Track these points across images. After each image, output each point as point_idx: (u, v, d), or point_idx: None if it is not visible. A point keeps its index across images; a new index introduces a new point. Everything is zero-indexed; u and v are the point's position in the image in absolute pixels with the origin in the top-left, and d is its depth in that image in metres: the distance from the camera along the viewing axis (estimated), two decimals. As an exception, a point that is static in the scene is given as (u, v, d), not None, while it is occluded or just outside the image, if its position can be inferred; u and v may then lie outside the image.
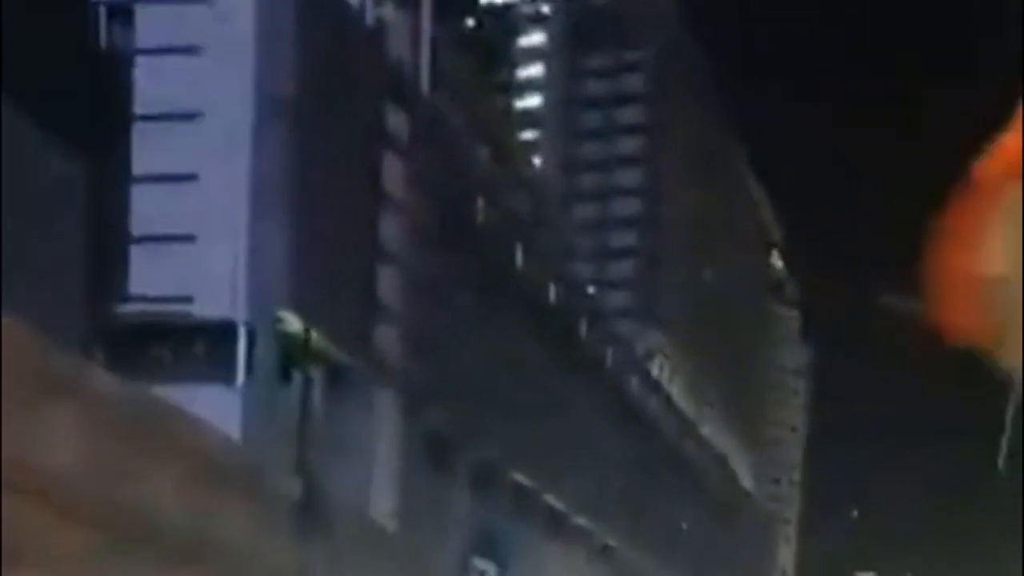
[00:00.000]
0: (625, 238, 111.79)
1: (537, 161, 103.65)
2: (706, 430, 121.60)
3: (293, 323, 47.80)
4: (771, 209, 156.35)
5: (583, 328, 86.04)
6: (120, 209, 43.52)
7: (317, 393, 48.92)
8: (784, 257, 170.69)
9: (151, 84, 45.19)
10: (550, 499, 75.43)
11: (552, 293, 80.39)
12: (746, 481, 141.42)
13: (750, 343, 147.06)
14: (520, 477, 71.03)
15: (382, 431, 53.59)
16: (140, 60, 45.64)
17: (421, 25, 62.58)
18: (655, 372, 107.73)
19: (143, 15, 46.20)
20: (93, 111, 38.31)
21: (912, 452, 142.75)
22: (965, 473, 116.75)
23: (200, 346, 44.71)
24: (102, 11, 45.18)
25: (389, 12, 60.34)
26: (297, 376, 47.93)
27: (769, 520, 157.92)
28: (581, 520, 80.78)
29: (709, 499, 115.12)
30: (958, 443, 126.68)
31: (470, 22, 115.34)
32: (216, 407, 40.48)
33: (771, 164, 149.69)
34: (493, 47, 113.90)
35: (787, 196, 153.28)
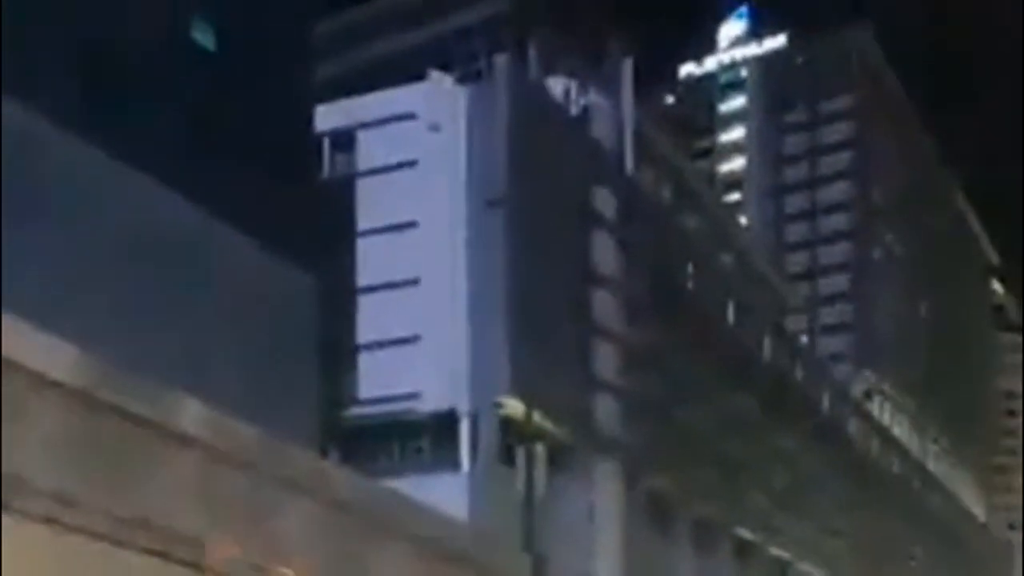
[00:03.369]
0: (836, 283, 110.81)
1: (744, 220, 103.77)
2: (933, 466, 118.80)
3: (514, 406, 49.30)
4: (988, 235, 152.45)
5: (798, 377, 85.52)
6: (348, 319, 45.97)
7: (541, 470, 50.20)
8: (1004, 283, 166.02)
9: (371, 200, 47.70)
10: (774, 550, 75.03)
11: (766, 346, 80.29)
12: (980, 512, 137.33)
13: (974, 372, 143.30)
14: (742, 531, 70.98)
15: (605, 500, 54.56)
16: (362, 179, 48.33)
17: (623, 106, 63.79)
18: (876, 412, 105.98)
19: (362, 139, 48.88)
20: (321, 234, 40.71)
21: None
22: None
23: (426, 438, 46.67)
24: (325, 141, 47.97)
25: (592, 98, 61.78)
26: (520, 456, 49.35)
27: (1006, 549, 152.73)
28: (806, 567, 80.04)
29: (940, 534, 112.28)
30: None
31: (670, 98, 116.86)
32: (445, 494, 42.11)
33: (987, 190, 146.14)
34: (694, 117, 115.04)
35: (1005, 220, 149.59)
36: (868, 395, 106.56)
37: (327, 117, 45.03)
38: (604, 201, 60.01)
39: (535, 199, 52.71)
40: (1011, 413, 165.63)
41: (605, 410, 56.69)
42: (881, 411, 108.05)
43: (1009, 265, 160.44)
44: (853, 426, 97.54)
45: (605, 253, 59.26)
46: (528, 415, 49.47)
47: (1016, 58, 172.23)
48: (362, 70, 50.26)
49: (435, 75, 50.76)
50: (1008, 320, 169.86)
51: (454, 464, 46.87)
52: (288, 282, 38.40)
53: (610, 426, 56.67)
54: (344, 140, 49.06)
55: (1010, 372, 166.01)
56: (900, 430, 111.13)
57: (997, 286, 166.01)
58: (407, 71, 49.57)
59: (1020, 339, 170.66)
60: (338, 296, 44.89)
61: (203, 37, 36.96)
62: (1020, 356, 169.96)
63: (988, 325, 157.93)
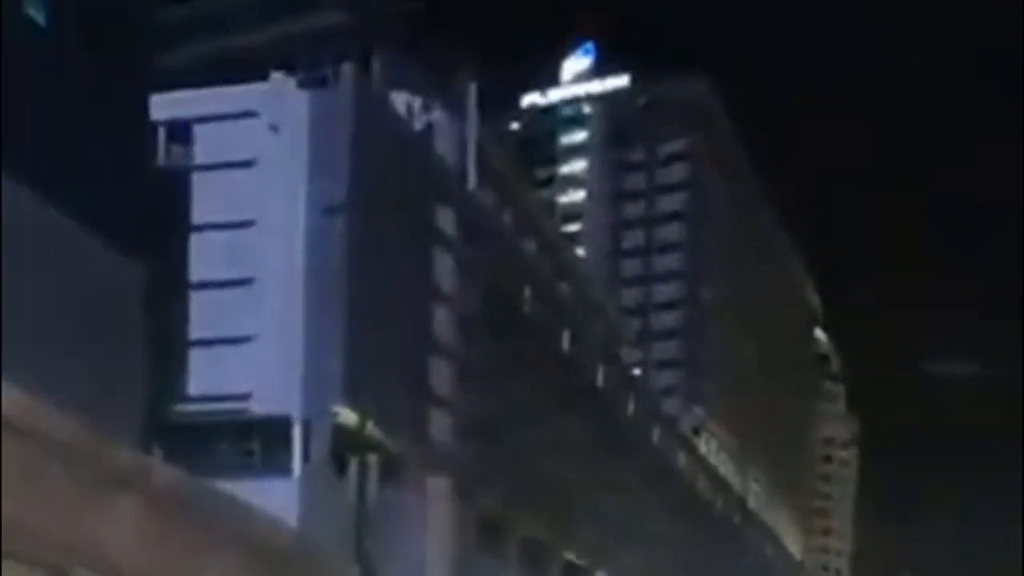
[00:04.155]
0: (668, 320, 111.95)
1: (582, 251, 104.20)
2: (754, 503, 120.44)
3: (348, 415, 48.09)
4: (814, 286, 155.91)
5: (630, 408, 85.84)
6: (179, 313, 44.34)
7: (373, 481, 49.05)
8: (828, 332, 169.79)
9: (208, 196, 46.23)
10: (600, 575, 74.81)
11: (599, 375, 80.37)
12: (796, 551, 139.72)
13: (796, 417, 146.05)
14: (571, 555, 70.61)
15: (436, 515, 53.55)
16: (197, 173, 46.83)
17: (467, 128, 63.33)
18: (702, 448, 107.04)
19: (200, 132, 47.45)
20: (152, 223, 39.00)
21: (962, 516, 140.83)
22: (1019, 537, 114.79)
23: (258, 441, 45.26)
24: (161, 130, 46.37)
25: (437, 117, 61.15)
26: (353, 465, 48.16)
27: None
28: (633, 594, 79.97)
29: (760, 571, 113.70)
30: (1009, 506, 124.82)
31: (514, 124, 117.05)
32: (275, 498, 40.64)
33: (814, 241, 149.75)
34: (536, 146, 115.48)
35: (830, 271, 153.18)
36: (697, 431, 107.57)
37: (165, 106, 43.42)
38: (445, 218, 59.32)
39: (376, 209, 51.74)
40: (828, 459, 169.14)
41: (439, 426, 55.77)
42: (708, 447, 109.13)
43: (833, 317, 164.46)
44: (681, 460, 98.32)
45: (444, 270, 58.52)
46: (361, 425, 48.26)
47: (849, 116, 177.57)
48: (203, 63, 48.78)
49: (277, 77, 49.58)
50: (831, 370, 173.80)
51: (285, 469, 45.44)
52: (114, 269, 36.63)
53: (444, 442, 55.76)
54: (181, 131, 47.53)
55: (830, 419, 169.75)
56: (724, 467, 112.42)
57: (821, 336, 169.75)
58: (248, 69, 48.26)
59: (840, 388, 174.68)
60: (169, 289, 43.23)
61: (36, 12, 35.18)
62: (840, 405, 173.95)
63: (811, 372, 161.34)
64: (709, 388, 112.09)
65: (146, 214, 38.50)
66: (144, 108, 39.84)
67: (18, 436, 27.79)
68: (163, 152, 47.00)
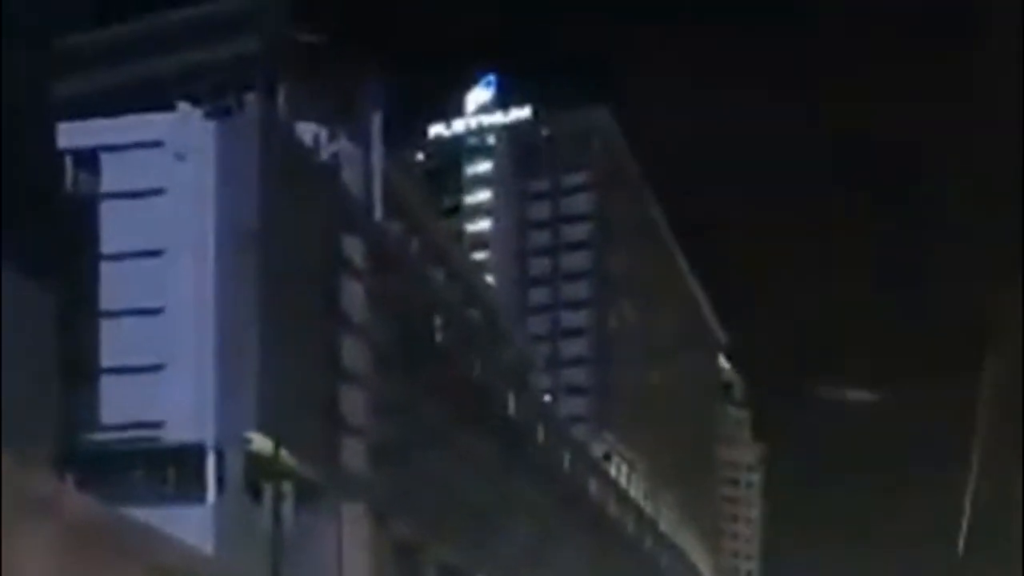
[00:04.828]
0: (576, 347, 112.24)
1: (490, 279, 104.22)
2: (664, 526, 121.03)
3: (262, 443, 47.59)
4: (716, 314, 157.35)
5: (541, 434, 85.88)
6: (90, 342, 43.73)
7: (288, 508, 48.55)
8: (731, 360, 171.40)
9: (117, 224, 45.72)
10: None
11: (510, 402, 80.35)
12: (706, 571, 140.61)
13: (703, 442, 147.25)
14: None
15: (351, 541, 53.09)
16: (106, 202, 46.31)
17: (373, 158, 63.17)
18: (613, 473, 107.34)
19: (107, 161, 46.92)
20: (61, 251, 38.39)
21: (866, 538, 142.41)
22: (920, 560, 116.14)
23: (171, 469, 44.76)
24: (68, 159, 45.78)
25: (342, 147, 60.97)
26: (268, 492, 47.63)
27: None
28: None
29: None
30: (909, 528, 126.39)
31: (420, 154, 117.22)
32: (189, 526, 40.17)
33: (716, 270, 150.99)
34: (443, 175, 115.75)
35: (732, 300, 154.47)
36: (607, 457, 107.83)
37: (72, 134, 42.82)
38: (353, 247, 59.09)
39: (285, 238, 51.43)
40: (735, 482, 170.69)
41: (353, 452, 55.37)
42: (619, 472, 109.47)
43: (736, 344, 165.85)
44: (593, 484, 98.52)
45: (354, 298, 58.23)
46: (275, 452, 47.74)
47: (750, 144, 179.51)
48: (110, 92, 48.25)
49: (183, 106, 49.20)
50: (735, 396, 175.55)
51: (200, 497, 44.92)
52: (24, 296, 35.96)
53: (358, 468, 55.36)
54: (88, 160, 46.96)
55: (736, 444, 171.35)
56: (635, 491, 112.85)
57: (725, 363, 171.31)
58: (154, 98, 47.83)
59: (745, 414, 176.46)
60: (80, 316, 42.61)
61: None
62: (745, 430, 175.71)
63: (716, 398, 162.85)
64: (618, 413, 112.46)
65: (55, 241, 37.88)
66: (51, 136, 39.24)
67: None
68: (71, 180, 46.44)
